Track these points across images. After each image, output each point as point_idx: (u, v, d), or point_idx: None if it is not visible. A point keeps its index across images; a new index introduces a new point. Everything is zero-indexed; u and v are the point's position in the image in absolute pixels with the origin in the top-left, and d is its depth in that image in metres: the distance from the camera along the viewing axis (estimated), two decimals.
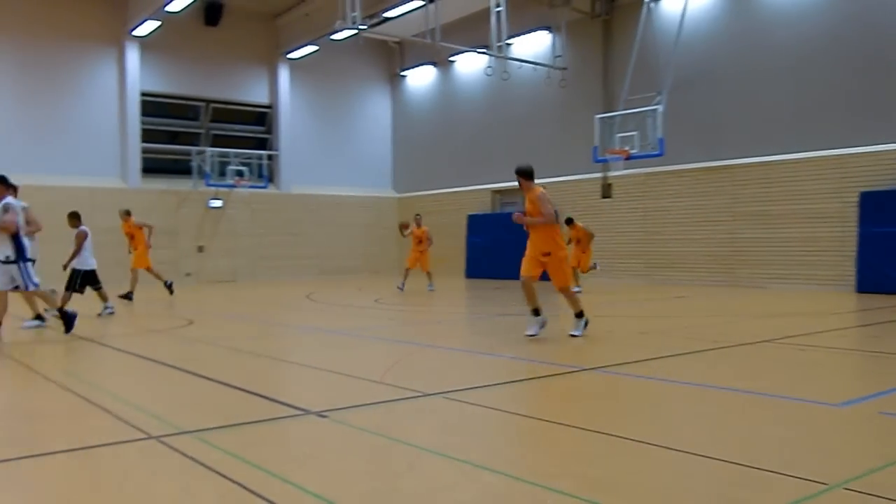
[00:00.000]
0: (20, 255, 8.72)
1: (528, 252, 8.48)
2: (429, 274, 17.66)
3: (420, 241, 17.61)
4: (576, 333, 8.43)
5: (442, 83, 26.70)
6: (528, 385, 6.07)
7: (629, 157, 18.49)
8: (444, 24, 19.29)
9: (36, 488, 3.62)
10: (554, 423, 4.69)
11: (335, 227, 26.28)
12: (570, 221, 16.65)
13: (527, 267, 8.41)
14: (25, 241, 8.89)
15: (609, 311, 12.31)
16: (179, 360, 7.33)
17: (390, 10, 20.49)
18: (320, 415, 4.86)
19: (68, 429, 4.70)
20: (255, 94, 25.39)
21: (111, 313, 12.20)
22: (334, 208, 26.48)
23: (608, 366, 6.74)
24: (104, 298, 12.37)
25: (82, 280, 11.96)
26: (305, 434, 4.56)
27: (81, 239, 12.02)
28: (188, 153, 23.86)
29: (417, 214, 18.71)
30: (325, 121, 26.71)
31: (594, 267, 17.04)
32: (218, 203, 24.02)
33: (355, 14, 17.05)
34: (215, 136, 24.64)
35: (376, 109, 28.20)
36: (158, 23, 21.45)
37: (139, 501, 3.35)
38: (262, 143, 25.65)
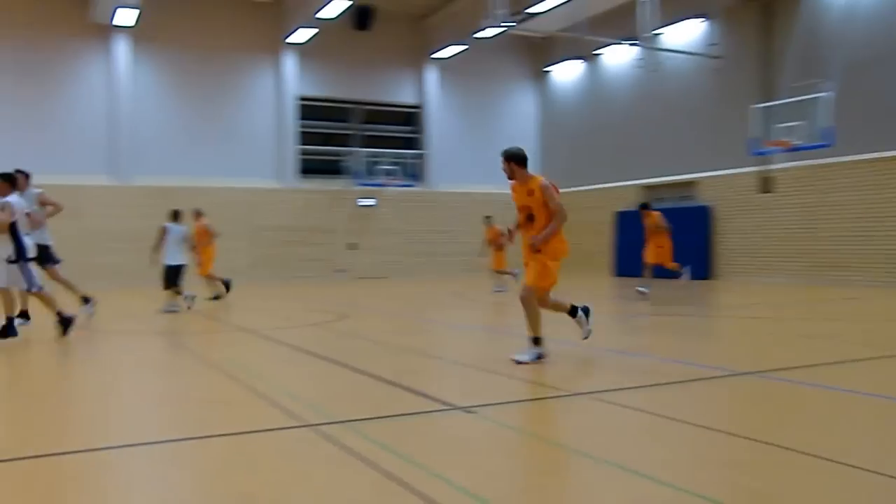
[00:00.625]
0: (20, 255, 8.35)
1: (524, 255, 6.81)
2: (500, 274, 17.31)
3: (494, 241, 17.31)
4: (521, 359, 6.55)
5: (589, 78, 26.23)
6: (678, 388, 5.81)
7: (792, 149, 17.34)
8: (590, 16, 18.94)
9: (198, 468, 3.86)
10: (708, 428, 4.45)
11: (482, 225, 26.46)
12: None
13: (530, 275, 6.70)
14: (27, 239, 8.50)
15: (769, 312, 11.61)
16: (333, 353, 7.61)
17: (535, 5, 20.35)
18: (467, 410, 4.87)
19: (230, 414, 4.99)
20: (404, 94, 26.04)
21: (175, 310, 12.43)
22: (481, 206, 26.64)
23: (769, 370, 6.34)
24: (177, 294, 12.78)
25: (171, 275, 12.58)
26: (452, 429, 4.59)
27: (162, 234, 12.70)
28: (341, 154, 24.84)
29: (488, 216, 18.49)
30: (471, 119, 26.96)
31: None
32: (369, 202, 24.85)
33: (501, 12, 17.07)
34: (366, 136, 25.51)
35: (521, 106, 28.13)
36: (313, 30, 22.47)
37: (294, 486, 3.48)
38: (410, 143, 26.27)
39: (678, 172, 22.09)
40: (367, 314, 12.64)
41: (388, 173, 24.38)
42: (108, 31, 21.36)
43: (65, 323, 8.58)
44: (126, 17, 20.33)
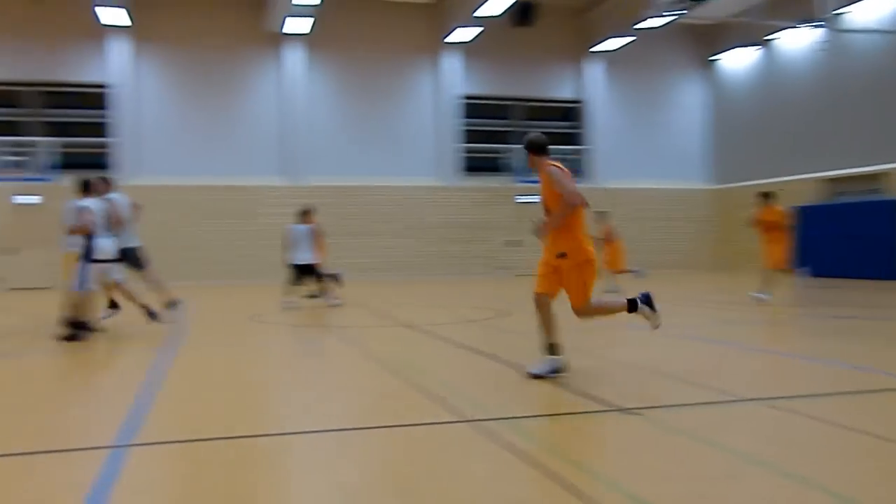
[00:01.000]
0: (87, 256, 8.60)
1: (542, 257, 6.04)
2: (617, 273, 16.10)
3: (608, 239, 16.35)
4: (536, 372, 5.80)
5: (762, 65, 24.70)
6: (861, 397, 5.31)
7: None
8: None
9: (363, 457, 3.98)
10: (892, 441, 4.04)
11: (645, 222, 25.66)
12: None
13: (539, 280, 6.00)
14: (101, 239, 8.78)
15: None
16: (495, 349, 7.64)
17: None
18: (633, 412, 4.72)
19: (393, 407, 5.12)
20: (563, 89, 25.77)
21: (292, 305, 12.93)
22: (644, 202, 25.88)
23: None
24: (318, 289, 13.39)
25: (299, 272, 13.06)
26: (617, 431, 4.46)
27: (317, 234, 13.20)
28: (503, 151, 24.96)
29: (602, 211, 17.34)
30: (633, 112, 26.23)
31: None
32: (529, 199, 24.78)
33: (666, 0, 16.45)
34: (526, 133, 25.45)
35: (688, 97, 26.98)
36: (473, 29, 22.73)
37: (453, 481, 3.51)
38: (570, 139, 25.93)
39: (863, 164, 20.32)
40: (531, 312, 12.58)
41: None
42: (279, 39, 22.70)
43: (71, 337, 8.38)
44: (298, 25, 21.54)
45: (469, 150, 24.83)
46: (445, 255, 23.78)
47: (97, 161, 21.77)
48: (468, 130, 24.87)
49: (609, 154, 25.62)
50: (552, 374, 5.76)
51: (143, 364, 7.22)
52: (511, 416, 4.68)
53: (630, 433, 4.34)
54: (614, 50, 24.79)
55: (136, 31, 21.66)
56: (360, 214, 23.02)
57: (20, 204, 20.74)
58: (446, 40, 23.72)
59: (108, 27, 21.03)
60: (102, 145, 21.79)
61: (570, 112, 26.11)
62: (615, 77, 25.91)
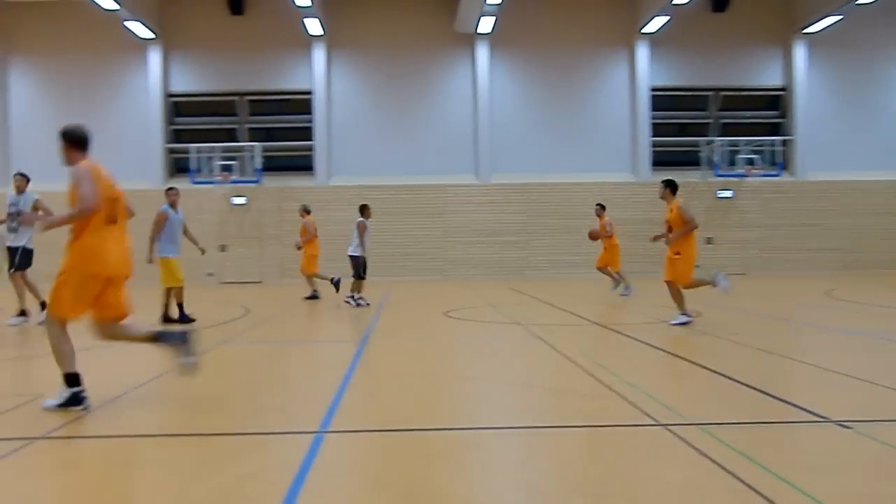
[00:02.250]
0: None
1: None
2: (615, 274, 15.15)
3: (610, 237, 15.27)
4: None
5: None
6: None
7: None
8: None
9: (551, 456, 3.96)
10: None
11: (860, 217, 23.46)
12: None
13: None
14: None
15: None
16: (687, 351, 7.32)
17: None
18: (842, 424, 4.33)
19: (582, 406, 5.05)
20: (767, 77, 24.11)
21: (354, 304, 13.01)
22: (859, 196, 23.64)
23: None
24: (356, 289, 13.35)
25: (365, 267, 13.27)
26: (824, 443, 4.11)
27: (362, 230, 13.15)
28: (697, 144, 23.83)
29: (600, 204, 15.89)
30: (846, 98, 24.00)
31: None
32: (726, 193, 23.50)
33: None
34: (724, 124, 24.15)
35: None
36: (667, 18, 21.87)
37: (645, 485, 3.41)
38: (774, 129, 24.25)
39: None
40: (724, 312, 11.94)
41: (749, 162, 22.74)
42: (467, 39, 23.10)
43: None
44: (485, 24, 21.85)
45: (661, 144, 23.89)
46: (638, 253, 23.07)
47: (299, 164, 23.40)
48: (661, 123, 23.95)
49: (815, 144, 23.65)
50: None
51: (344, 355, 7.65)
52: (708, 421, 4.45)
53: (838, 447, 3.99)
54: (820, 31, 22.86)
55: (330, 39, 22.99)
56: (548, 212, 22.92)
57: (233, 205, 22.72)
58: (643, 31, 22.92)
59: (311, 37, 22.51)
60: (303, 149, 23.35)
61: (775, 100, 24.37)
62: (826, 60, 23.86)
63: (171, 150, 23.27)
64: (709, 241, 23.36)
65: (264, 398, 5.59)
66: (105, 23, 21.75)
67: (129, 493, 3.49)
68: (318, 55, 22.99)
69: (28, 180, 10.75)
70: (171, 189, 10.97)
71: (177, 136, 23.42)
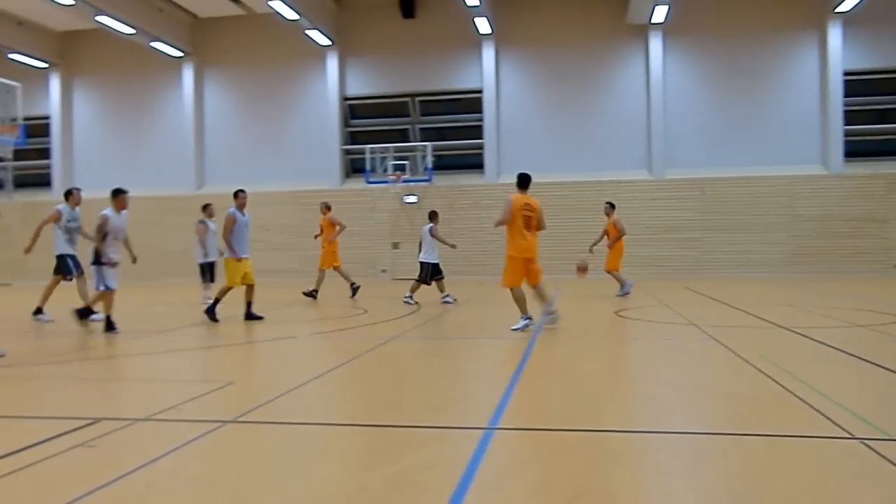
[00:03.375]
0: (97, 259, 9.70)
1: None
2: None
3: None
4: None
5: None
6: None
7: None
8: None
9: (733, 464, 3.74)
10: None
11: None
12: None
13: None
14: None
15: None
16: (889, 360, 6.70)
17: None
18: None
19: (767, 414, 4.75)
20: None
21: (449, 302, 13.38)
22: None
23: None
24: (441, 289, 13.77)
25: (431, 272, 13.53)
26: None
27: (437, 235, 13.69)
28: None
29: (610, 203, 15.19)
30: None
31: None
32: None
33: None
34: None
35: None
36: None
37: (841, 502, 3.15)
38: None
39: None
40: None
41: None
42: (643, 31, 22.37)
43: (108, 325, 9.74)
44: (659, 13, 21.09)
45: (854, 133, 21.89)
46: (826, 251, 21.39)
47: (469, 162, 23.73)
48: (857, 111, 21.90)
49: None
50: None
51: (513, 352, 7.69)
52: None
53: None
54: None
55: (498, 37, 23.09)
56: (726, 208, 21.75)
57: (405, 203, 23.43)
58: (837, 10, 21.06)
59: (480, 36, 22.76)
60: (473, 147, 23.66)
61: None
62: None
63: (347, 152, 24.40)
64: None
65: (437, 393, 5.73)
66: (287, 33, 23.15)
67: (309, 476, 3.69)
68: (488, 54, 23.20)
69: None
70: (240, 192, 11.34)
71: (352, 137, 24.53)
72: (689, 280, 20.15)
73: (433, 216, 14.08)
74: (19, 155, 21.50)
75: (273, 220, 23.32)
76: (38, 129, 24.28)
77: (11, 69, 23.30)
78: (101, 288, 9.74)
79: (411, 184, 22.97)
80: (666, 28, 22.22)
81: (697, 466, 3.74)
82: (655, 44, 22.35)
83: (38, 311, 11.49)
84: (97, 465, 3.82)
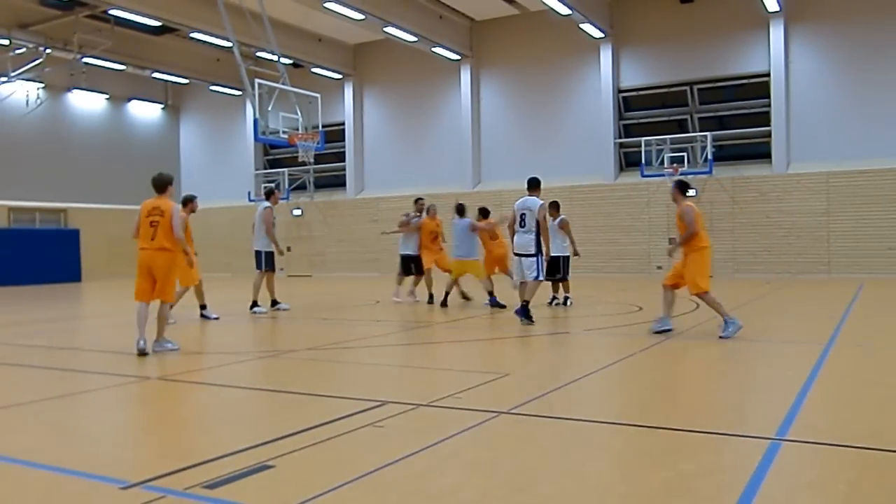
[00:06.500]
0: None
1: None
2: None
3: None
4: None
5: None
6: None
7: None
8: None
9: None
10: None
11: None
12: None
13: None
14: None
15: None
16: None
17: None
18: None
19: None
20: None
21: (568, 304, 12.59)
22: None
23: None
24: (566, 289, 12.72)
25: (551, 268, 11.79)
26: None
27: (567, 228, 12.37)
28: None
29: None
30: None
31: None
32: None
33: None
34: None
35: None
36: None
37: None
38: None
39: None
40: None
41: None
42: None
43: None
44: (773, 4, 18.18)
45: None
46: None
47: (754, 151, 22.05)
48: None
49: None
50: None
51: (805, 358, 7.03)
52: None
53: None
54: None
55: (788, 13, 21.05)
56: None
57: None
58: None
59: (768, 13, 20.97)
60: (759, 135, 21.93)
61: None
62: None
63: (622, 145, 23.93)
64: None
65: (717, 396, 5.42)
66: (559, 28, 23.21)
67: (582, 474, 3.67)
68: (776, 33, 21.32)
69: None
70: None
71: (626, 130, 24.02)
72: None
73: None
74: (318, 158, 23.90)
75: None
76: (334, 134, 26.88)
77: (312, 81, 26.15)
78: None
79: (689, 176, 21.92)
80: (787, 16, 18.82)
81: None
82: (776, 32, 18.96)
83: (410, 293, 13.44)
84: (385, 444, 4.14)
